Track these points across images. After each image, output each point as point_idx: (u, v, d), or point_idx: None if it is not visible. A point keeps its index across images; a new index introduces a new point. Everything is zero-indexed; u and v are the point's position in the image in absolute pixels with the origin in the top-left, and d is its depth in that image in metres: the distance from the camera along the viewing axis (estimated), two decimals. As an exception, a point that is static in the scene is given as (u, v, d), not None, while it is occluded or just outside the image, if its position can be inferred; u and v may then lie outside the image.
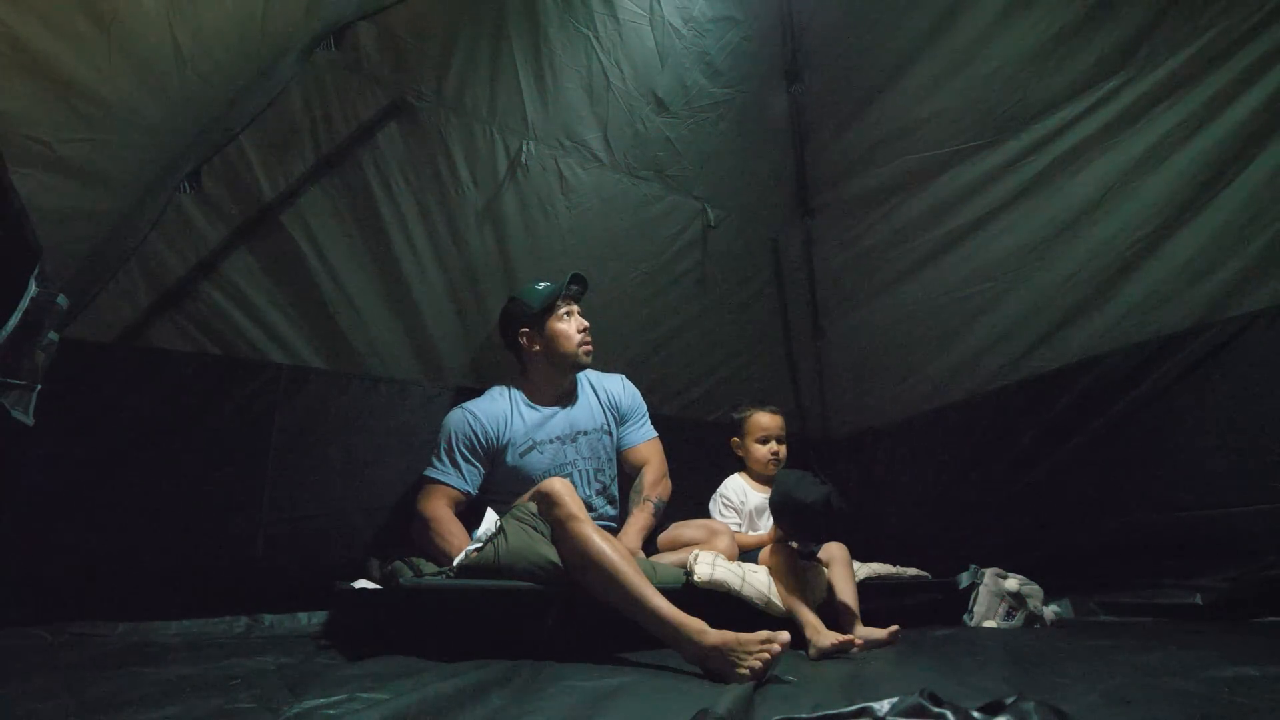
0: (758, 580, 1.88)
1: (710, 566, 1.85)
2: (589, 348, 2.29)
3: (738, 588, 1.83)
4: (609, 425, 2.39)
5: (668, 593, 1.58)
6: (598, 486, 2.31)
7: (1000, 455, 2.59)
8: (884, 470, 2.97)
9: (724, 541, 2.09)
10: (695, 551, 1.95)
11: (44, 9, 1.27)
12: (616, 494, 2.38)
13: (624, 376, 2.54)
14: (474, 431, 2.17)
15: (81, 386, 1.86)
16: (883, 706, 0.95)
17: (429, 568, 1.87)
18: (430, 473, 2.16)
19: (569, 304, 2.31)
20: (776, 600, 1.85)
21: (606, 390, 2.44)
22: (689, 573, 1.84)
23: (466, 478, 2.15)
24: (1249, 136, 2.07)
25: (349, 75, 2.23)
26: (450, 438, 2.17)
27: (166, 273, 2.02)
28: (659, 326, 2.88)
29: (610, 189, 2.73)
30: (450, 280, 2.46)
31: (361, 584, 1.91)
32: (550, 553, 1.69)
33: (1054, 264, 2.45)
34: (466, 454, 2.16)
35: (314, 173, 2.21)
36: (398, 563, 1.92)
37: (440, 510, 2.08)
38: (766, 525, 2.29)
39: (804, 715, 1.00)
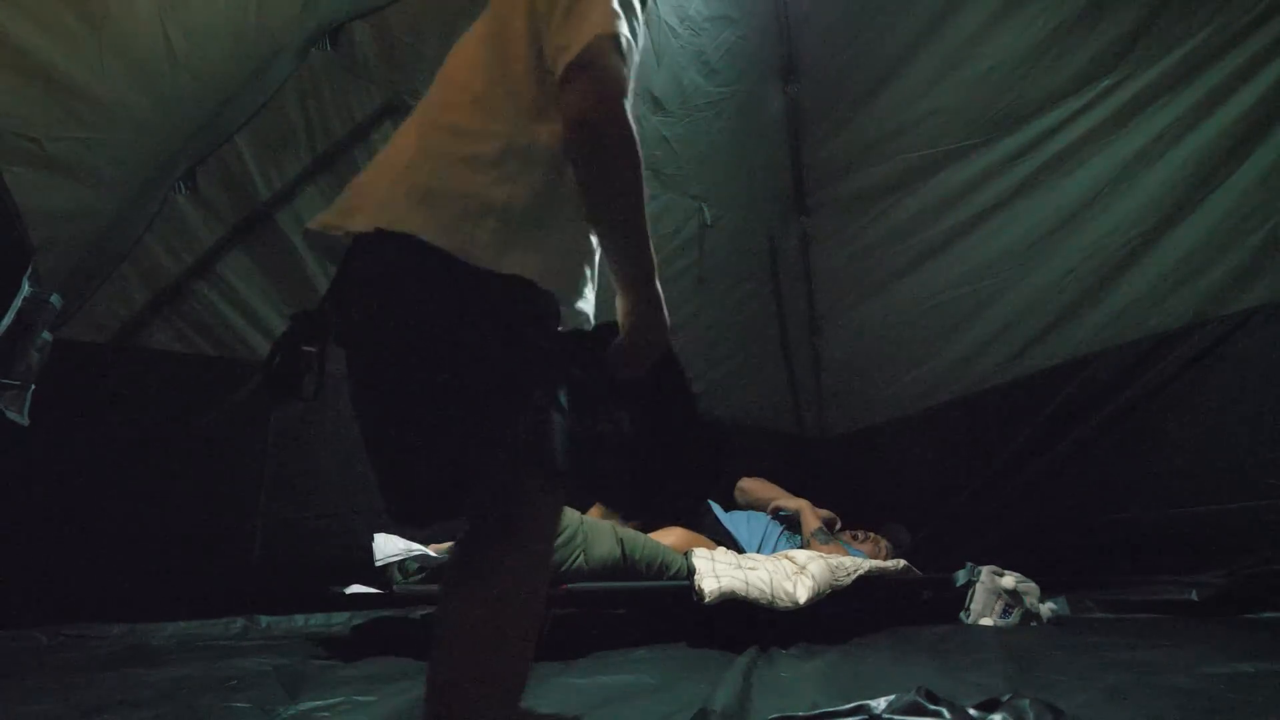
0: (757, 578, 1.87)
1: (715, 579, 1.81)
2: None
3: (744, 592, 1.81)
4: None
5: (674, 591, 1.55)
6: None
7: (996, 453, 2.59)
8: (881, 468, 2.97)
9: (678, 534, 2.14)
10: (690, 561, 1.90)
11: (33, 6, 1.26)
12: None
13: None
14: None
15: (77, 387, 1.85)
16: (880, 704, 0.95)
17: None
18: None
19: None
20: (780, 593, 1.83)
21: None
22: (698, 595, 1.79)
23: None
24: (1243, 134, 2.07)
25: (344, 74, 2.22)
26: None
27: (162, 273, 2.01)
28: (655, 326, 2.87)
29: (606, 188, 2.73)
30: (446, 280, 2.46)
31: (355, 589, 1.90)
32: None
33: (1049, 262, 2.46)
34: None
35: (310, 172, 2.20)
36: (394, 568, 1.91)
37: None
38: None
39: (802, 713, 1.00)
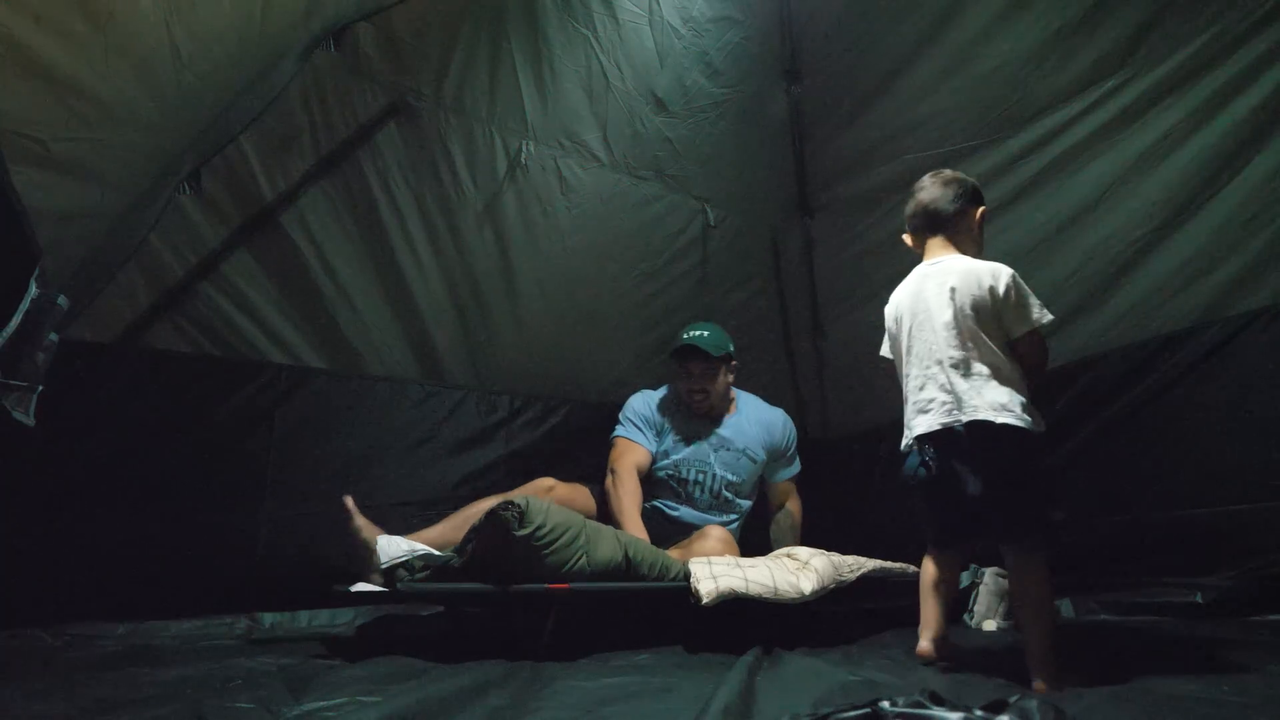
0: (758, 575, 1.87)
1: (712, 580, 1.80)
2: (697, 399, 2.49)
3: (744, 590, 1.81)
4: (755, 454, 2.54)
5: (676, 593, 1.56)
6: (715, 497, 2.50)
7: (1000, 454, 2.58)
8: (884, 469, 2.96)
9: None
10: (687, 567, 1.88)
11: (39, 7, 1.26)
12: (737, 511, 2.54)
13: (785, 414, 2.68)
14: (648, 406, 2.52)
15: (82, 387, 1.86)
16: (885, 704, 0.95)
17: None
18: (619, 432, 2.47)
19: (683, 365, 2.48)
20: (784, 586, 1.82)
21: (768, 425, 2.60)
22: (695, 597, 1.77)
23: (647, 439, 2.46)
24: (1248, 135, 2.06)
25: (348, 76, 2.23)
26: (629, 409, 2.52)
27: (167, 273, 2.02)
28: (660, 326, 2.87)
29: (610, 189, 2.73)
30: (450, 280, 2.46)
31: (360, 587, 1.90)
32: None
33: (1053, 263, 2.45)
34: (640, 424, 2.48)
35: (314, 173, 2.21)
36: (400, 569, 1.91)
37: (623, 465, 2.37)
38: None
39: (806, 714, 1.00)
